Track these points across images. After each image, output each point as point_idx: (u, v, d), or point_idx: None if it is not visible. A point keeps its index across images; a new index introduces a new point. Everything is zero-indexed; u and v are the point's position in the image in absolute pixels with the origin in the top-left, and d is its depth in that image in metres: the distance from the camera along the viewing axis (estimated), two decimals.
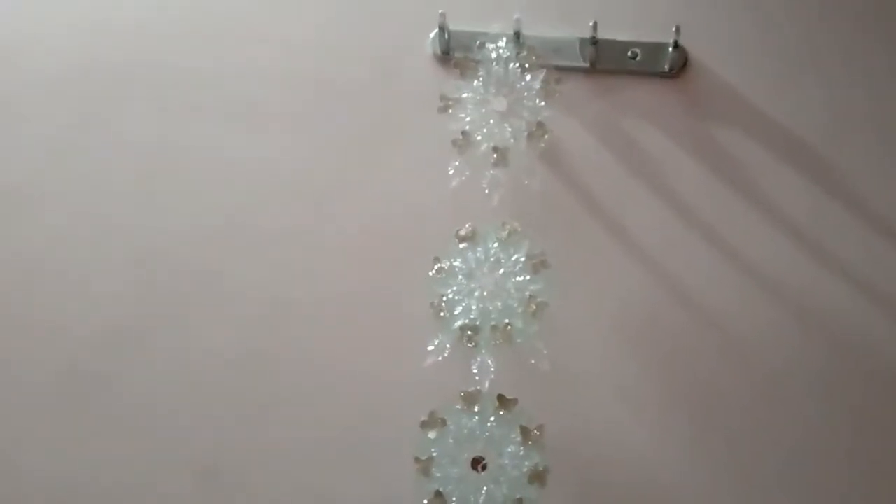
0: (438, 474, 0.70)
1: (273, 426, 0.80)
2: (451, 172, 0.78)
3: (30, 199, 0.87)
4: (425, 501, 0.70)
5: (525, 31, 0.85)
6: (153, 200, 0.87)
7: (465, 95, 0.81)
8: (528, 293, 0.74)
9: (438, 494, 0.70)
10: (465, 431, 0.70)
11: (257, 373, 0.82)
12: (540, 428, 0.71)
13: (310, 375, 0.81)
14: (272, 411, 0.81)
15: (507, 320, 0.73)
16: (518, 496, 0.69)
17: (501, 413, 0.71)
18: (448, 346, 0.73)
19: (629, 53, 0.90)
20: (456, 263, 0.75)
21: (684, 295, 0.81)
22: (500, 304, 0.74)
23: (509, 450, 0.70)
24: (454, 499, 0.70)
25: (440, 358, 0.73)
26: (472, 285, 0.74)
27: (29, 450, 0.80)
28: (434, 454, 0.71)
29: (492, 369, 0.72)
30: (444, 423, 0.71)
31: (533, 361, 0.73)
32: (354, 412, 0.80)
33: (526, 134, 0.79)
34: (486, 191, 0.78)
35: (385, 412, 0.79)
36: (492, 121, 0.80)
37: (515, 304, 0.74)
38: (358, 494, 0.78)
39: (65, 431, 0.80)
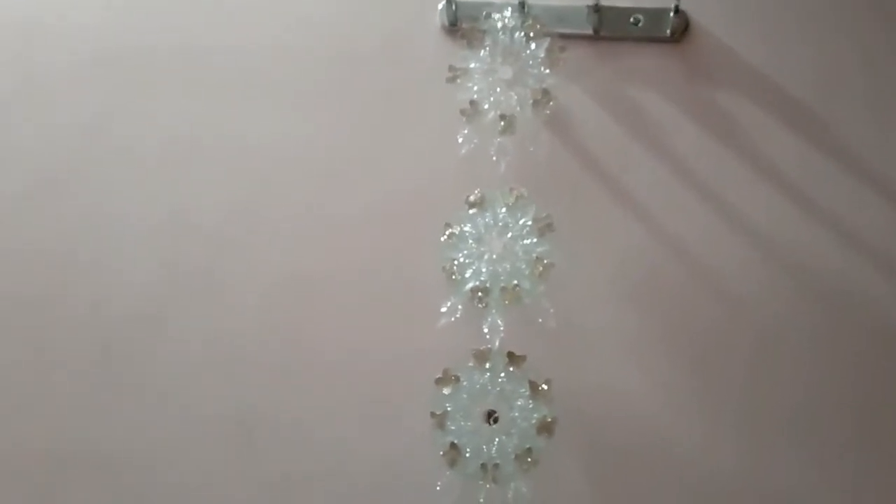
0: (453, 427, 0.74)
1: (296, 389, 0.84)
2: (460, 141, 0.80)
3: (61, 182, 0.89)
4: (441, 453, 0.75)
5: (530, 1, 0.86)
6: (179, 179, 0.89)
7: (472, 65, 0.83)
8: (534, 255, 0.77)
9: (453, 446, 0.74)
10: (478, 387, 0.75)
11: (280, 340, 0.85)
12: (547, 382, 0.74)
13: (330, 342, 0.85)
14: (295, 376, 0.84)
15: (515, 281, 0.76)
16: (528, 446, 0.74)
17: (511, 369, 0.75)
18: (460, 307, 0.76)
19: (632, 19, 0.90)
20: (466, 228, 0.78)
21: (684, 253, 0.84)
22: (508, 266, 0.77)
23: (519, 403, 0.74)
24: (468, 450, 0.74)
25: (453, 319, 0.76)
26: (482, 249, 0.77)
27: (70, 420, 0.85)
28: (449, 409, 0.75)
29: (501, 328, 0.76)
30: (457, 379, 0.75)
31: (540, 320, 0.76)
32: (373, 372, 0.83)
33: (531, 101, 0.81)
34: (494, 158, 0.80)
35: (402, 371, 0.82)
36: (498, 89, 0.81)
37: (523, 266, 0.77)
38: (378, 448, 0.82)
39: (103, 403, 0.85)
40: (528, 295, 0.76)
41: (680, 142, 0.86)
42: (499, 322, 0.76)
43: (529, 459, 0.73)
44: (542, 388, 0.74)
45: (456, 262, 0.77)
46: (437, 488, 0.75)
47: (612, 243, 0.85)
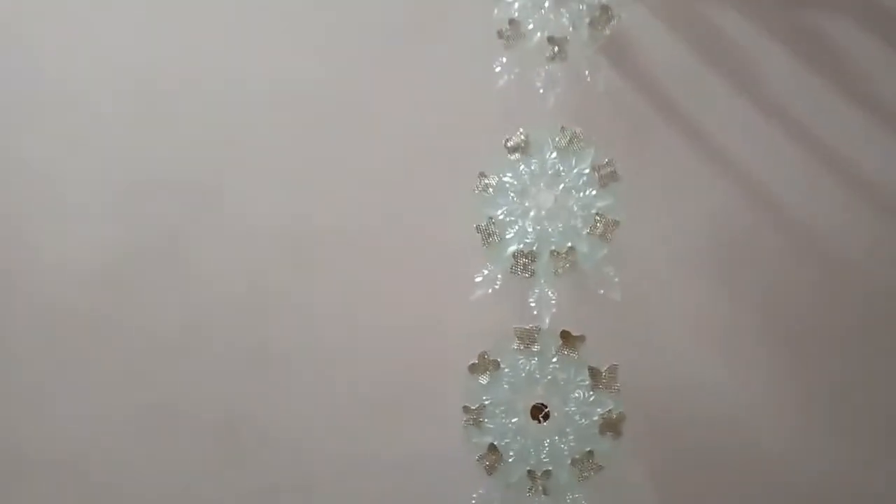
0: (491, 425, 0.66)
1: (291, 381, 0.75)
2: (497, 70, 0.71)
3: (16, 129, 0.81)
4: (477, 457, 0.65)
5: None
6: (156, 123, 0.80)
7: None
8: (594, 211, 0.66)
9: (493, 449, 0.65)
10: (523, 375, 0.66)
11: (274, 317, 0.76)
12: (612, 369, 0.65)
13: (337, 318, 0.75)
14: (291, 363, 0.75)
15: (569, 243, 0.66)
16: (588, 448, 0.64)
17: (566, 352, 0.66)
18: (499, 276, 0.67)
19: None
20: (506, 178, 0.68)
21: (779, 211, 0.72)
22: (560, 224, 0.67)
23: (576, 395, 0.66)
24: (511, 453, 0.65)
25: (490, 290, 0.68)
26: (527, 204, 0.68)
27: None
28: (486, 402, 0.66)
29: (553, 301, 0.66)
30: (497, 365, 0.66)
31: (602, 291, 0.66)
32: (391, 357, 0.74)
33: (587, 21, 0.70)
34: (541, 90, 0.70)
35: (427, 356, 0.74)
36: (546, 5, 0.70)
37: (579, 224, 0.66)
38: (397, 452, 0.73)
39: (51, 392, 0.77)
40: (586, 260, 0.66)
41: (769, 73, 0.74)
42: (549, 294, 0.67)
43: (590, 465, 0.64)
44: (606, 377, 0.65)
45: (494, 221, 0.68)
46: (473, 502, 0.67)
47: (689, 197, 0.74)
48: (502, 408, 0.65)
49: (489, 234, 0.67)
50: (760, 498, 0.70)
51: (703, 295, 0.72)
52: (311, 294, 0.75)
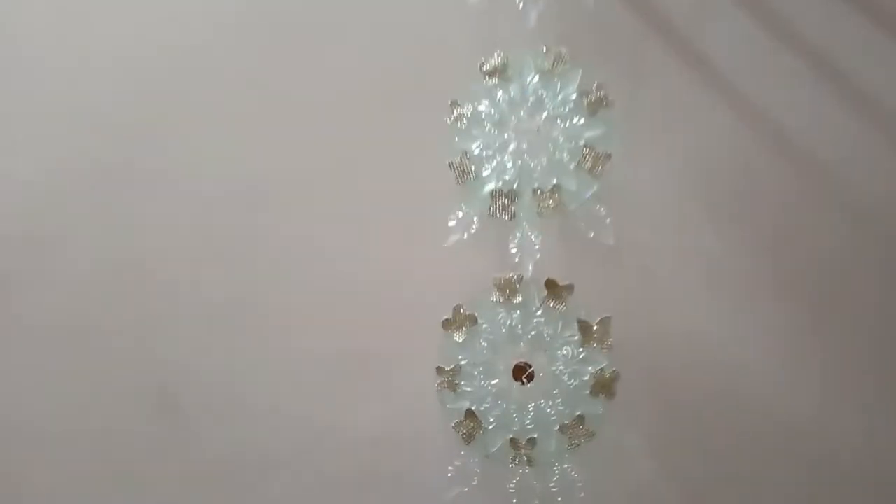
0: (469, 389, 0.60)
1: (245, 339, 0.68)
2: None
3: None
4: (453, 424, 0.59)
5: None
6: (97, 62, 0.71)
7: None
8: (582, 142, 0.59)
9: (471, 415, 0.59)
10: (504, 331, 0.60)
11: (221, 270, 0.68)
12: (604, 322, 0.59)
13: (292, 272, 0.68)
14: (241, 319, 0.68)
15: (554, 180, 0.59)
16: (578, 412, 0.58)
17: (552, 304, 0.59)
18: (476, 219, 0.61)
19: None
20: (482, 107, 0.62)
21: (792, 144, 0.66)
22: (544, 158, 0.60)
23: (563, 353, 0.59)
24: (491, 420, 0.59)
25: (465, 236, 0.61)
26: (506, 136, 0.61)
27: None
28: (462, 363, 0.60)
29: (536, 247, 0.60)
30: (473, 321, 0.60)
31: (592, 234, 0.60)
32: (353, 315, 0.67)
33: None
34: (520, 6, 0.63)
35: (395, 312, 0.67)
36: None
37: (566, 158, 0.59)
38: (365, 423, 0.66)
39: None
40: (574, 200, 0.60)
41: None
42: (532, 238, 0.60)
43: (580, 431, 0.58)
44: (597, 331, 0.59)
45: (469, 156, 0.61)
46: (449, 475, 0.60)
47: (690, 127, 0.67)
48: (480, 368, 0.59)
49: (463, 172, 0.61)
50: (769, 464, 0.64)
51: (706, 238, 0.65)
52: (261, 244, 0.68)
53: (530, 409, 0.58)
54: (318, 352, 0.67)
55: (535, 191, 0.59)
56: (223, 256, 0.68)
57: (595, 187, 0.59)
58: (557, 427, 0.58)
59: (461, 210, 0.61)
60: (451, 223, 0.61)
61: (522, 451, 0.58)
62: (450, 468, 0.60)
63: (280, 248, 0.68)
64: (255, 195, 0.68)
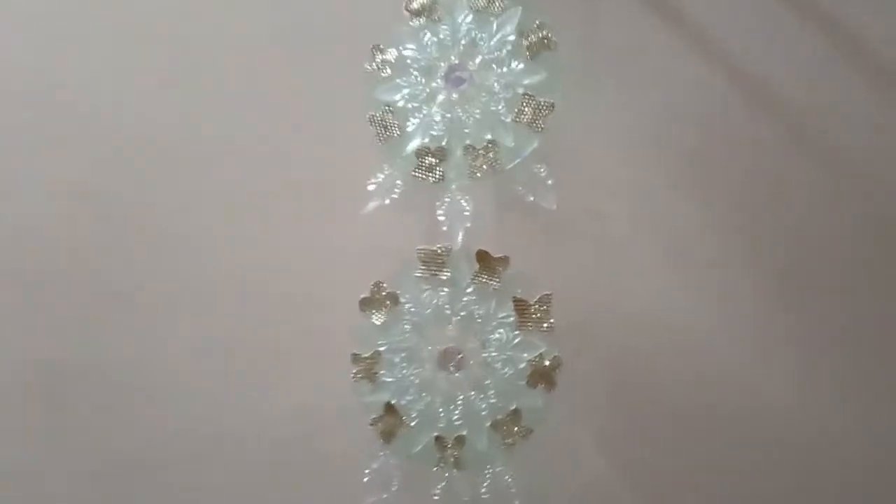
0: (389, 379, 0.52)
1: (135, 320, 0.59)
2: None
3: None
4: (371, 420, 0.51)
5: None
6: None
7: None
8: (521, 90, 0.51)
9: (390, 409, 0.51)
10: (429, 312, 0.52)
11: (108, 239, 0.59)
12: (544, 301, 0.50)
13: (188, 245, 0.59)
14: (129, 298, 0.59)
15: (489, 135, 0.51)
16: (513, 406, 0.50)
17: (484, 280, 0.51)
18: (399, 182, 0.53)
19: None
20: (407, 52, 0.54)
21: (765, 97, 0.57)
22: (477, 111, 0.52)
23: (497, 336, 0.51)
24: (414, 415, 0.51)
25: (387, 201, 0.53)
26: (434, 84, 0.53)
27: None
28: (382, 349, 0.52)
29: (467, 214, 0.52)
30: (395, 300, 0.52)
31: (532, 198, 0.52)
32: (260, 292, 0.58)
33: None
34: None
35: (304, 290, 0.58)
36: None
37: (502, 110, 0.51)
38: (271, 416, 0.57)
39: None
40: (512, 158, 0.51)
41: None
42: (463, 204, 0.52)
43: (516, 428, 0.50)
44: (536, 312, 0.51)
45: (392, 109, 0.53)
46: (365, 479, 0.52)
47: (650, 76, 0.58)
48: (403, 355, 0.51)
49: (385, 128, 0.52)
50: (735, 461, 0.56)
51: (665, 204, 0.57)
52: (147, 219, 0.59)
53: (459, 402, 0.50)
54: (213, 340, 0.58)
55: (466, 148, 0.51)
56: (103, 235, 0.59)
57: (535, 143, 0.51)
58: (490, 423, 0.50)
59: (382, 172, 0.53)
60: (370, 187, 0.53)
61: (449, 451, 0.50)
62: (366, 471, 0.51)
63: (168, 221, 0.59)
64: (138, 160, 0.59)
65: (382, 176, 0.53)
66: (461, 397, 0.50)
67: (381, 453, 0.51)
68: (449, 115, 0.51)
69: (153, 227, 0.59)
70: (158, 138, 0.59)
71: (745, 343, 0.56)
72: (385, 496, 0.51)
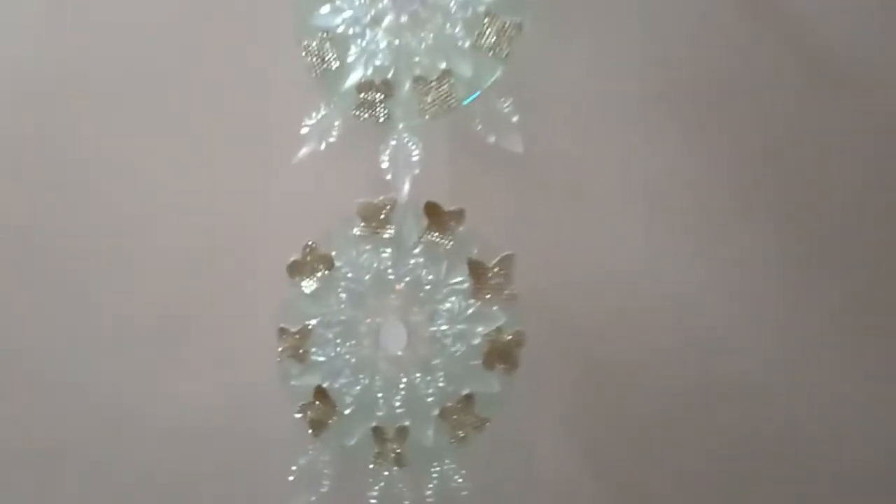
0: (320, 358, 0.43)
1: (33, 292, 0.50)
2: None
3: None
4: (298, 408, 0.43)
5: None
6: None
7: None
8: (482, 8, 0.42)
9: (321, 394, 0.43)
10: (368, 277, 0.43)
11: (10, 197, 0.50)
12: (505, 263, 0.41)
13: (88, 199, 0.49)
14: (28, 265, 0.50)
15: (444, 64, 0.42)
16: (466, 390, 0.41)
17: (434, 238, 0.42)
18: (337, 123, 0.44)
19: None
20: None
21: (781, 16, 0.46)
22: (430, 35, 0.43)
23: (448, 305, 0.42)
24: (349, 401, 0.43)
25: (322, 146, 0.44)
26: (380, 5, 0.44)
27: None
28: (312, 322, 0.44)
29: (415, 159, 0.43)
30: (328, 263, 0.44)
31: (493, 139, 0.42)
32: (172, 254, 0.49)
33: None
34: None
35: (226, 252, 0.48)
36: None
37: (459, 34, 0.42)
38: (184, 402, 0.48)
39: None
40: (470, 91, 0.42)
41: None
42: (410, 148, 0.43)
43: (469, 418, 0.42)
44: (495, 276, 0.42)
45: (329, 36, 0.45)
46: (291, 477, 0.44)
47: None
48: (337, 329, 0.43)
49: (322, 59, 0.44)
50: (727, 456, 0.46)
51: (653, 148, 0.46)
52: (46, 165, 0.49)
53: (401, 386, 0.42)
54: (119, 314, 0.49)
55: (416, 80, 0.42)
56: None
57: (499, 72, 0.42)
58: (437, 411, 0.41)
59: (317, 111, 0.44)
60: (304, 130, 0.44)
61: (389, 445, 0.42)
62: (292, 468, 0.43)
63: (69, 168, 0.49)
64: (36, 97, 0.49)
65: (317, 116, 0.44)
66: (404, 380, 0.42)
67: (310, 447, 0.43)
68: (396, 42, 0.43)
69: (53, 182, 0.49)
70: (58, 76, 0.49)
71: (746, 315, 0.46)
72: (313, 498, 0.42)
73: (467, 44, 0.42)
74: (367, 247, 0.42)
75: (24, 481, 0.50)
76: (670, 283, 0.45)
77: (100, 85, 0.49)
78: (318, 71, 0.44)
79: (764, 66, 0.45)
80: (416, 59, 0.43)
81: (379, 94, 0.43)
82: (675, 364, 0.45)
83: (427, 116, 0.43)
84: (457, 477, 0.41)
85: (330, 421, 0.42)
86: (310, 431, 0.42)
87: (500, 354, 0.41)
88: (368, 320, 0.42)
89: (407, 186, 0.43)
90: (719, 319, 0.45)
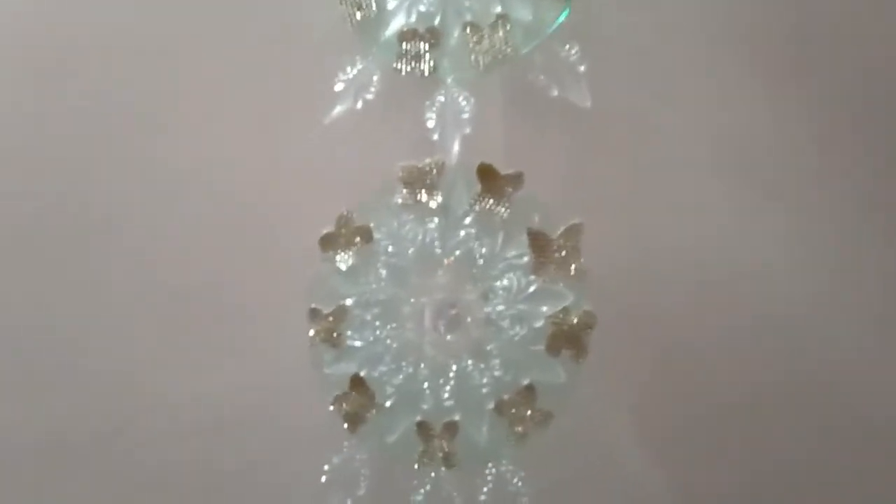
0: (358, 343, 0.38)
1: (52, 270, 0.44)
2: None
3: None
4: (332, 400, 0.38)
5: None
6: None
7: None
8: None
9: (359, 384, 0.38)
10: (412, 251, 0.38)
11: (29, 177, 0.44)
12: (572, 233, 0.36)
13: (110, 169, 0.43)
14: (50, 243, 0.44)
15: (499, 8, 0.37)
16: (526, 381, 0.36)
17: (488, 206, 0.37)
18: (376, 78, 0.39)
19: None
20: None
21: None
22: None
23: (505, 283, 0.37)
24: (390, 391, 0.37)
25: (359, 104, 0.39)
26: None
27: None
28: (348, 302, 0.39)
29: (466, 116, 0.38)
30: (367, 235, 0.38)
31: (557, 93, 0.37)
32: (194, 229, 0.43)
33: None
34: None
35: (251, 223, 0.43)
36: None
37: None
38: (204, 394, 0.42)
39: None
40: (530, 38, 0.37)
41: None
42: (461, 103, 0.38)
43: (530, 412, 0.37)
44: (560, 249, 0.37)
45: None
46: (323, 478, 0.39)
47: None
48: (376, 311, 0.37)
49: (359, 6, 0.39)
50: (818, 454, 0.40)
51: (742, 101, 0.40)
52: (62, 138, 0.43)
53: (451, 375, 0.36)
54: (131, 296, 0.43)
55: (466, 27, 0.37)
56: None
57: (564, 15, 0.37)
58: (492, 404, 0.36)
59: (353, 65, 0.39)
60: (339, 87, 0.39)
61: (436, 442, 0.36)
62: (325, 468, 0.38)
63: (89, 139, 0.43)
64: (40, 61, 0.44)
65: (354, 71, 0.39)
66: (454, 368, 0.37)
67: (345, 444, 0.38)
68: None
69: (71, 157, 0.44)
70: (66, 42, 0.45)
71: (844, 297, 0.40)
72: (349, 501, 0.37)
73: None
74: (411, 216, 0.37)
75: (30, 479, 0.46)
76: (757, 256, 0.39)
77: (120, 39, 0.45)
78: (353, 21, 0.39)
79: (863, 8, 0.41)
80: (467, 2, 0.38)
81: (424, 44, 0.38)
82: (761, 350, 0.40)
83: (480, 68, 0.37)
84: (515, 479, 0.36)
85: (368, 414, 0.37)
86: (345, 426, 0.37)
87: (567, 339, 0.35)
88: (412, 300, 0.37)
89: (456, 147, 0.38)
90: (813, 300, 0.40)
